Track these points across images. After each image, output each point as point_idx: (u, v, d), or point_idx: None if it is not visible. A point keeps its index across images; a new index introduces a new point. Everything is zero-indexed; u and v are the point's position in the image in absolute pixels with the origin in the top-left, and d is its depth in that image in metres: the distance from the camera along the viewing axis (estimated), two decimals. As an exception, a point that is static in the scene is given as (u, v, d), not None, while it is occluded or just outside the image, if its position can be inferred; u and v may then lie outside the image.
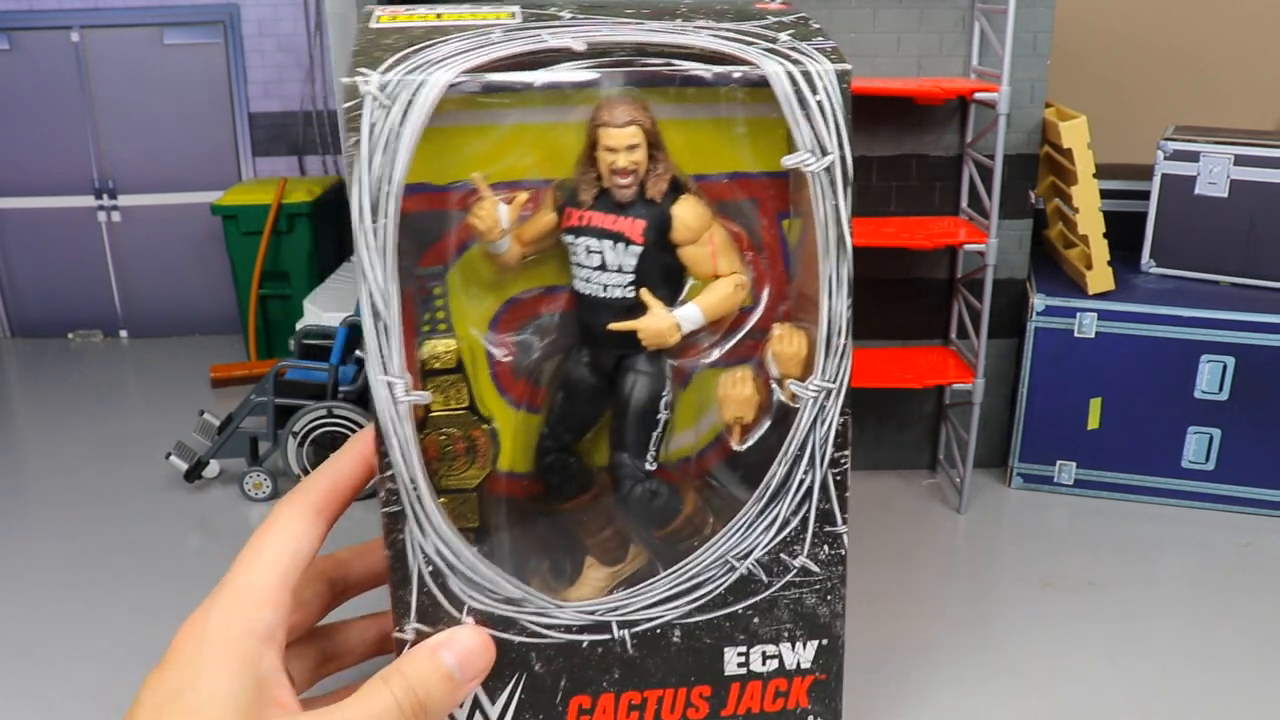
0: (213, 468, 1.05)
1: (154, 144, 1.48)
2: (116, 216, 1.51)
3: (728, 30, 0.53)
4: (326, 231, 1.43)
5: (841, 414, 0.54)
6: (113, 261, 1.52)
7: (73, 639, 0.81)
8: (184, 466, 1.04)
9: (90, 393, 1.33)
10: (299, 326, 1.17)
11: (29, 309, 1.54)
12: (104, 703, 0.73)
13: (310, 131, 1.49)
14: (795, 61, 0.50)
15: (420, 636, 0.54)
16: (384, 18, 0.55)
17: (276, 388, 1.04)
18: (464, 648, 0.53)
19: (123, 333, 1.55)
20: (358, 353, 1.08)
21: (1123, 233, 1.07)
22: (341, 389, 1.04)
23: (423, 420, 0.54)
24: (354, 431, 1.02)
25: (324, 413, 1.02)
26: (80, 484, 1.07)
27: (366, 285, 0.50)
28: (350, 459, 0.55)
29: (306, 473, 1.03)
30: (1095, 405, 1.00)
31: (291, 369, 1.06)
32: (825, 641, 0.59)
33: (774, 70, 0.50)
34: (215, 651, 0.47)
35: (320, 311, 1.19)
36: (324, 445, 1.03)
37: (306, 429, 1.02)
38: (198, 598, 0.86)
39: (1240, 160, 1.01)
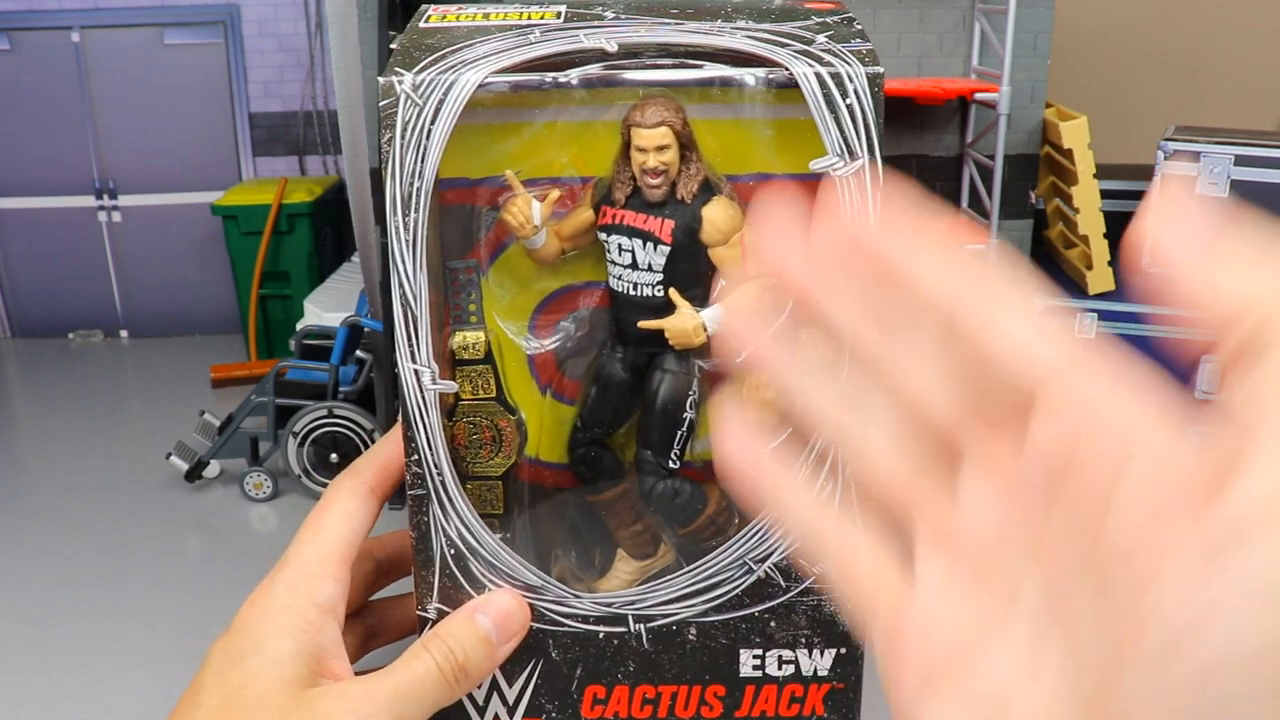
0: (213, 468, 1.05)
1: (154, 144, 1.48)
2: (117, 216, 1.51)
3: (766, 31, 0.54)
4: (326, 231, 1.43)
5: None
6: (113, 261, 1.52)
7: (72, 638, 0.81)
8: (184, 466, 1.04)
9: (90, 393, 1.33)
10: (299, 326, 1.17)
11: (29, 309, 1.54)
12: (103, 701, 0.73)
13: (310, 131, 1.49)
14: (826, 64, 0.51)
15: (441, 616, 0.56)
16: (434, 17, 0.56)
17: (277, 388, 1.04)
18: (499, 610, 0.55)
19: (123, 333, 1.55)
20: (358, 353, 1.08)
21: (1123, 233, 1.07)
22: (342, 389, 1.04)
23: (452, 408, 0.56)
24: (355, 431, 1.02)
25: (324, 413, 1.02)
26: (80, 484, 1.07)
27: (397, 277, 0.51)
28: (399, 440, 0.58)
29: (307, 473, 1.03)
30: (1095, 405, 1.00)
31: (292, 369, 1.06)
32: (844, 650, 0.59)
33: (802, 72, 0.51)
34: (279, 620, 0.49)
35: (320, 311, 1.19)
36: (324, 445, 1.03)
37: (307, 429, 1.02)
38: (198, 597, 0.86)
39: (1240, 160, 1.01)
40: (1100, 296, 0.99)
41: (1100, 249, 0.98)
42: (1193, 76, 1.38)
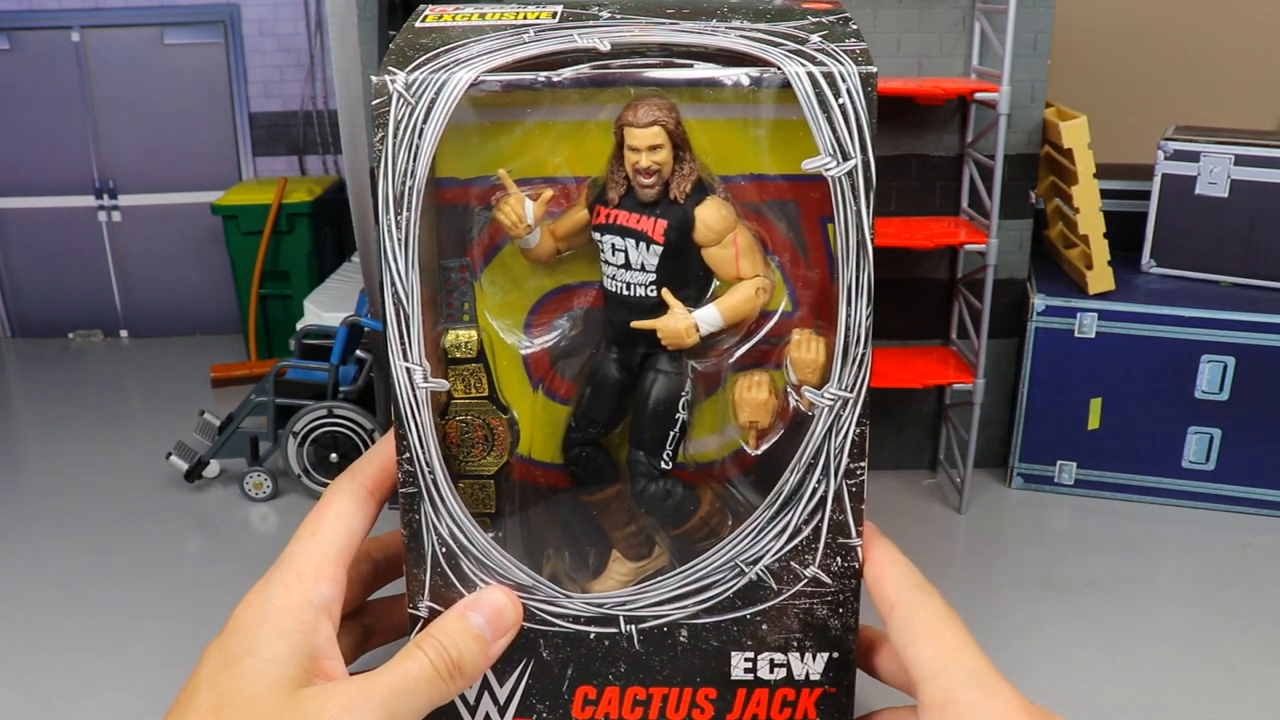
0: (213, 468, 1.05)
1: (154, 144, 1.48)
2: (116, 216, 1.51)
3: (760, 31, 0.53)
4: (326, 231, 1.43)
5: (858, 424, 0.54)
6: (113, 261, 1.52)
7: (72, 638, 0.81)
8: (184, 466, 1.04)
9: (90, 393, 1.33)
10: (299, 326, 1.17)
11: (29, 309, 1.54)
12: (102, 701, 0.73)
13: (310, 131, 1.49)
14: (819, 63, 0.50)
15: (432, 614, 0.55)
16: (430, 17, 0.56)
17: (277, 388, 1.05)
18: (492, 607, 0.55)
19: (123, 333, 1.55)
20: (358, 352, 1.08)
21: (1123, 233, 1.07)
22: (342, 389, 1.04)
23: (444, 406, 0.56)
24: (355, 431, 1.02)
25: (324, 413, 1.02)
26: (80, 484, 1.07)
27: (389, 275, 0.51)
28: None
29: (307, 473, 1.03)
30: (1095, 405, 1.00)
31: (292, 369, 1.06)
32: (836, 655, 0.58)
33: (795, 72, 0.50)
34: (274, 621, 0.50)
35: (320, 311, 1.19)
36: (324, 445, 1.03)
37: (307, 429, 1.02)
38: (198, 597, 0.86)
39: (1240, 160, 1.01)
40: (1100, 296, 0.99)
41: (1100, 249, 0.98)
42: (1193, 76, 1.38)
